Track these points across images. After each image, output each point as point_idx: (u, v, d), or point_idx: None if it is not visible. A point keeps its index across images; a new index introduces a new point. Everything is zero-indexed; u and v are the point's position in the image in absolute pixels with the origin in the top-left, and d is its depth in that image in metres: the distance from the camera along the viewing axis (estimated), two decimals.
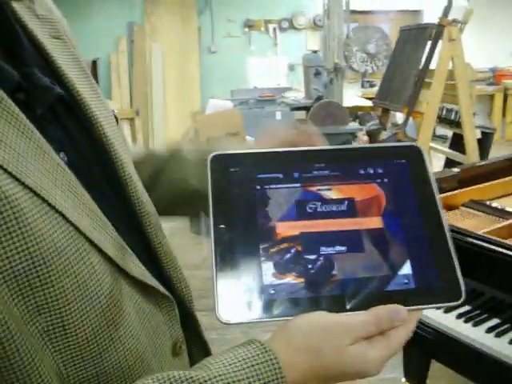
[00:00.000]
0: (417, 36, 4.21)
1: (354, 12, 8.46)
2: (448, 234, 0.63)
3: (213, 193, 0.63)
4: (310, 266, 0.60)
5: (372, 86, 8.16)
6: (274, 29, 9.10)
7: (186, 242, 4.43)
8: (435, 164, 4.87)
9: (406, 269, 0.61)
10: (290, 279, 0.59)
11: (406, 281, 0.60)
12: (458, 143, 4.20)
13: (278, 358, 0.54)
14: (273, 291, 0.58)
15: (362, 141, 5.61)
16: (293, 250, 0.61)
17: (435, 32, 3.87)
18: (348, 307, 0.58)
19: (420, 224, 0.64)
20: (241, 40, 9.16)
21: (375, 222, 0.63)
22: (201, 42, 9.05)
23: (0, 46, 0.60)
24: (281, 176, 0.65)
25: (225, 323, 0.56)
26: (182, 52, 8.88)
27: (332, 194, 0.65)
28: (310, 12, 8.82)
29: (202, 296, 3.39)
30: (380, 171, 0.67)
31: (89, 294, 0.56)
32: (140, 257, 0.66)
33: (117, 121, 0.77)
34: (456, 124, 4.08)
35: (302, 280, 0.59)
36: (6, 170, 0.50)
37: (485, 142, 4.01)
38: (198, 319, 0.79)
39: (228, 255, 0.60)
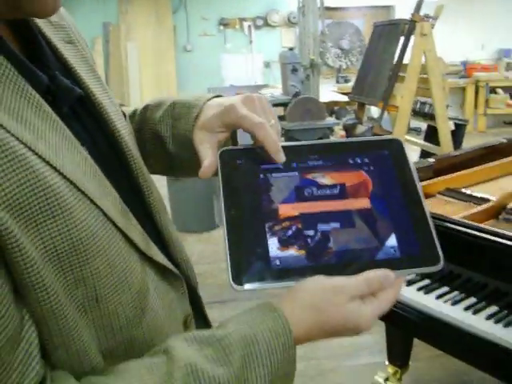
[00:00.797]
0: (390, 31, 4.32)
1: (327, 8, 8.55)
2: (427, 211, 0.72)
3: (223, 181, 0.73)
4: (309, 241, 0.69)
5: (347, 81, 8.27)
6: (249, 26, 9.17)
7: None
8: (411, 156, 4.98)
9: (392, 241, 0.70)
10: (293, 251, 0.68)
11: (392, 251, 0.69)
12: (432, 135, 4.32)
13: (286, 315, 0.63)
14: (278, 262, 0.67)
15: (339, 135, 5.71)
16: (294, 228, 0.70)
17: (407, 27, 3.98)
18: (343, 273, 0.67)
19: (402, 203, 0.73)
20: (216, 38, 9.22)
21: (364, 203, 0.73)
22: (176, 40, 9.08)
23: (26, 53, 0.67)
24: (281, 166, 0.75)
25: (237, 290, 0.65)
26: (158, 51, 8.90)
27: (326, 180, 0.74)
28: (284, 9, 8.92)
29: None
30: (367, 160, 0.77)
31: (117, 272, 0.64)
32: (151, 237, 0.74)
33: (124, 116, 0.85)
34: (430, 116, 4.19)
35: (303, 252, 0.68)
36: (48, 163, 0.57)
37: (458, 133, 4.13)
38: (200, 296, 0.88)
39: (238, 233, 0.69)
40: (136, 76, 8.87)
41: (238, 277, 0.66)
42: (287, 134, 4.14)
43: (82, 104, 0.72)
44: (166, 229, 0.81)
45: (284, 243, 0.69)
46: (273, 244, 0.68)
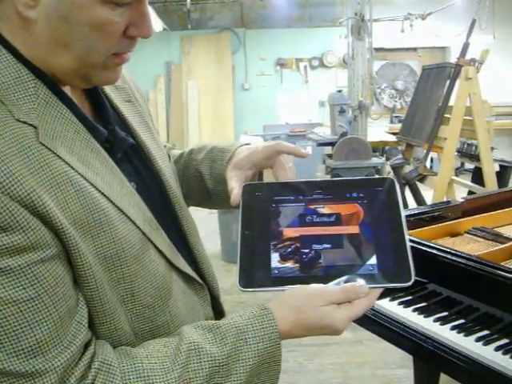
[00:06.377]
0: (437, 74, 4.43)
1: (382, 50, 8.73)
2: (406, 237, 0.88)
3: (242, 208, 0.93)
4: (304, 257, 0.88)
5: (401, 121, 8.34)
6: (305, 67, 9.43)
7: None
8: (459, 196, 5.00)
9: (372, 260, 0.87)
10: (290, 264, 0.87)
11: (371, 268, 0.86)
12: (479, 176, 4.36)
13: (273, 313, 0.83)
14: (277, 271, 0.86)
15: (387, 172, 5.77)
16: (293, 246, 0.89)
17: (453, 71, 4.09)
18: (328, 284, 0.84)
19: (386, 230, 0.90)
20: (273, 78, 9.51)
21: (353, 229, 0.90)
22: (234, 79, 9.41)
23: (94, 111, 0.91)
24: (291, 198, 0.94)
25: (243, 291, 0.84)
26: (217, 89, 9.23)
27: (324, 210, 0.93)
28: (339, 51, 9.13)
29: None
30: (361, 195, 0.94)
31: (148, 274, 0.85)
32: (182, 254, 0.95)
33: (169, 157, 1.08)
34: (476, 158, 4.24)
35: (298, 265, 0.87)
36: (102, 193, 0.79)
37: (503, 174, 4.17)
38: (221, 302, 1.07)
39: (248, 248, 0.89)
40: (195, 112, 9.22)
41: (244, 281, 0.85)
42: (333, 172, 4.29)
43: (134, 150, 0.95)
44: (195, 248, 1.02)
45: (283, 257, 0.87)
46: (275, 258, 0.87)
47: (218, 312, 1.05)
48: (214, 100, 9.23)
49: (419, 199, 4.63)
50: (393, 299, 1.81)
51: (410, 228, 2.06)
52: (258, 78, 9.50)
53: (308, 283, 0.84)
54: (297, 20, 9.56)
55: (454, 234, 2.17)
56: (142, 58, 8.43)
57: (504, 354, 1.50)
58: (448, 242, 2.02)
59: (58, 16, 0.74)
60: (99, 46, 0.78)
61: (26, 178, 0.70)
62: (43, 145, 0.75)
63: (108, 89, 0.96)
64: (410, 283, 0.84)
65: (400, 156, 4.88)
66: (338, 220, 0.91)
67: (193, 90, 9.22)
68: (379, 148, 6.09)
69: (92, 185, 0.78)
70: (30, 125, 0.75)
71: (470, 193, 4.44)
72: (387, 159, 5.80)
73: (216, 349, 0.79)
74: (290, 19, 9.59)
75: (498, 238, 2.05)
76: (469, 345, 1.57)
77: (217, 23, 9.56)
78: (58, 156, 0.75)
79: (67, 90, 0.85)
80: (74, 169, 0.77)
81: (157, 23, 7.92)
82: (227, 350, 0.80)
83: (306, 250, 0.88)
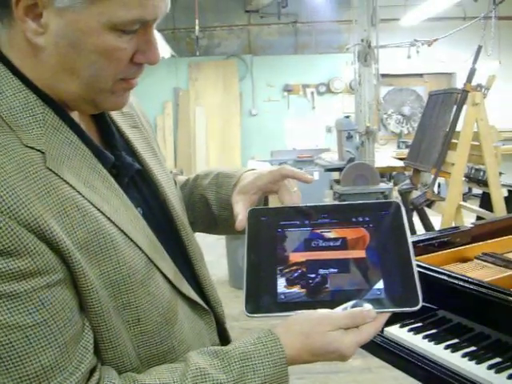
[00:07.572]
0: (444, 100, 4.44)
1: (388, 76, 8.77)
2: (413, 261, 0.88)
3: (248, 232, 0.93)
4: (310, 281, 0.87)
5: (408, 146, 8.35)
6: (312, 93, 9.47)
7: None
8: (467, 222, 4.97)
9: (379, 285, 0.86)
10: (296, 289, 0.87)
11: (378, 292, 0.85)
12: (487, 202, 4.34)
13: (280, 339, 0.81)
14: (283, 297, 0.86)
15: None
16: (300, 271, 0.89)
17: (460, 97, 4.10)
18: (335, 309, 0.83)
19: (393, 255, 0.90)
20: (280, 103, 9.55)
21: (359, 254, 0.90)
22: (242, 105, 9.45)
23: (101, 136, 0.92)
24: (297, 222, 0.94)
25: (249, 316, 0.84)
26: (224, 115, 9.27)
27: (331, 234, 0.93)
28: (345, 77, 9.18)
29: None
30: (367, 219, 0.94)
31: (154, 301, 0.84)
32: (188, 280, 0.95)
33: (175, 183, 1.08)
34: (484, 183, 4.23)
35: (304, 290, 0.87)
36: (109, 219, 0.80)
37: None
38: (227, 328, 1.06)
39: (255, 273, 0.89)
40: (203, 138, 9.25)
41: (250, 306, 0.85)
42: (340, 198, 4.29)
43: (140, 175, 0.95)
44: (201, 273, 1.02)
45: (290, 282, 0.87)
46: (281, 283, 0.87)
47: (224, 338, 1.05)
48: (222, 126, 9.27)
49: (427, 225, 4.61)
50: (403, 326, 1.80)
51: (418, 254, 2.06)
52: (266, 104, 9.54)
53: (315, 308, 0.83)
54: (303, 47, 9.65)
55: (464, 260, 2.15)
56: (151, 83, 8.50)
57: None
58: (457, 268, 2.00)
59: (67, 43, 0.76)
60: (106, 72, 0.80)
61: (33, 203, 0.71)
62: (50, 170, 0.75)
63: (115, 115, 0.97)
64: (417, 307, 0.83)
65: (408, 181, 4.87)
66: (344, 244, 0.91)
67: (200, 116, 9.26)
68: (387, 173, 6.10)
69: (98, 210, 0.78)
70: (38, 150, 0.76)
71: (479, 218, 4.42)
72: (395, 184, 5.79)
73: (222, 375, 0.79)
74: (297, 46, 9.68)
75: (509, 263, 2.03)
76: (480, 372, 1.54)
77: (224, 50, 9.65)
78: (64, 181, 0.76)
79: (75, 115, 0.86)
80: (80, 194, 0.77)
81: (165, 50, 8.00)
82: (234, 376, 0.79)
83: (313, 275, 0.88)
